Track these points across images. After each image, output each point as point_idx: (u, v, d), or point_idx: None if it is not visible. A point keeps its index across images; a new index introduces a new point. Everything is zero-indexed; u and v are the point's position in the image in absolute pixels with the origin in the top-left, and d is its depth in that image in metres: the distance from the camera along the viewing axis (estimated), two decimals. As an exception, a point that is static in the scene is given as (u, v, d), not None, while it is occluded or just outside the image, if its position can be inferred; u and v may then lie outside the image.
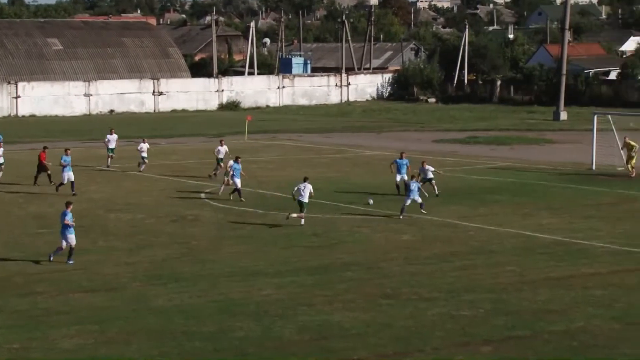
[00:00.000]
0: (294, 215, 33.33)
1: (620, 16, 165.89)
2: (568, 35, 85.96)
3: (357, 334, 20.82)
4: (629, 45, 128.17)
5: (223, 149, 44.91)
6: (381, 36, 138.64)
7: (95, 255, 28.66)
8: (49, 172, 42.55)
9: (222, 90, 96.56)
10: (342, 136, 67.16)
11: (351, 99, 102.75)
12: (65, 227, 27.44)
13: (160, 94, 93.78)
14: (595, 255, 28.53)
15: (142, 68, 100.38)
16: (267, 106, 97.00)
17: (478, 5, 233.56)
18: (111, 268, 27.09)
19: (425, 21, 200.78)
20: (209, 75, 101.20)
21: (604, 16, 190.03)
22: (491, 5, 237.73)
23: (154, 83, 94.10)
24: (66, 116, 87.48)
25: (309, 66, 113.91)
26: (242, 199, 38.20)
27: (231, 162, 38.99)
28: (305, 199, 33.44)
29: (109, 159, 48.80)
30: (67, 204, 28.03)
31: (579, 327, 21.28)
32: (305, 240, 30.96)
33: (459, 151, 56.55)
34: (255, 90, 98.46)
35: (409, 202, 34.83)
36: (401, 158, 39.95)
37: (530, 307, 22.84)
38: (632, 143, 45.09)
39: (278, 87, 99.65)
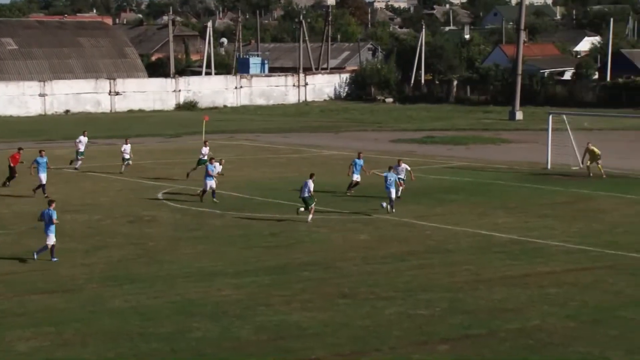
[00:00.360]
0: (302, 208, 34.15)
1: (574, 17, 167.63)
2: (523, 36, 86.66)
3: (315, 334, 20.86)
4: (583, 46, 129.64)
5: (206, 150, 44.68)
6: (338, 36, 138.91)
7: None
8: (15, 175, 41.83)
9: (179, 90, 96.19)
10: (300, 136, 67.19)
11: (309, 99, 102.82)
12: (49, 225, 27.60)
13: (117, 94, 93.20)
14: (551, 254, 28.80)
15: (98, 68, 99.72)
16: (225, 106, 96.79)
17: (434, 6, 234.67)
18: (67, 269, 26.89)
19: (382, 21, 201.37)
20: (165, 75, 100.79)
21: (558, 17, 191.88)
22: (447, 6, 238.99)
23: (110, 83, 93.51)
24: (21, 116, 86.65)
25: (266, 66, 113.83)
26: (215, 199, 37.90)
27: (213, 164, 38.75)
28: (305, 195, 34.01)
29: (79, 162, 48.16)
30: (50, 203, 28.29)
31: (534, 325, 21.47)
32: (263, 241, 30.95)
33: (416, 151, 56.81)
34: (213, 90, 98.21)
35: (392, 194, 35.46)
36: (359, 158, 40.13)
37: (487, 306, 23.01)
38: (597, 151, 45.30)
39: (235, 87, 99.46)
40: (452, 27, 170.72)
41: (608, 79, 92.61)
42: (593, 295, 24.03)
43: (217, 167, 39.10)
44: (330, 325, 21.46)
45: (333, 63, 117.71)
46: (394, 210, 35.39)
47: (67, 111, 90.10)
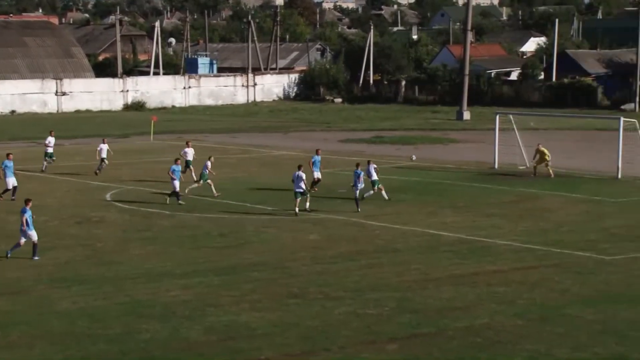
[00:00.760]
0: (306, 203, 35.30)
1: (520, 17, 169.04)
2: (470, 36, 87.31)
3: (264, 334, 20.87)
4: (529, 46, 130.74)
5: (190, 150, 44.27)
6: (287, 36, 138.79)
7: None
8: None
9: (127, 91, 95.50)
10: (249, 136, 67.09)
11: (258, 99, 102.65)
12: (26, 224, 27.64)
13: (63, 94, 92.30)
14: (498, 253, 29.08)
15: (44, 68, 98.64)
16: (173, 106, 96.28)
17: (382, 6, 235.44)
18: (14, 271, 26.62)
19: (330, 22, 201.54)
20: (113, 75, 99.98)
21: (504, 17, 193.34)
22: (395, 6, 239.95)
23: (56, 83, 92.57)
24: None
25: (215, 66, 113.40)
26: (180, 201, 37.51)
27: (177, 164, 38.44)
28: (301, 188, 34.88)
29: (44, 164, 47.35)
30: (27, 201, 28.31)
31: (482, 323, 21.67)
32: (212, 241, 30.89)
33: (365, 151, 56.96)
34: (161, 90, 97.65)
35: (357, 192, 35.76)
36: (317, 154, 40.48)
37: (435, 305, 23.17)
38: (546, 152, 45.73)
39: (184, 88, 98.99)
40: (400, 28, 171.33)
41: (554, 79, 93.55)
42: (540, 293, 24.31)
43: (208, 166, 39.48)
44: (279, 326, 21.48)
45: (282, 63, 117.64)
46: (359, 209, 35.66)
47: (12, 112, 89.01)
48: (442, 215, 35.47)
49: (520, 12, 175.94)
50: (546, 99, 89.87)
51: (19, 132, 60.27)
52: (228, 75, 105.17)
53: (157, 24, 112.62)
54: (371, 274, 26.26)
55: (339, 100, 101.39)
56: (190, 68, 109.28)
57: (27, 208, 28.05)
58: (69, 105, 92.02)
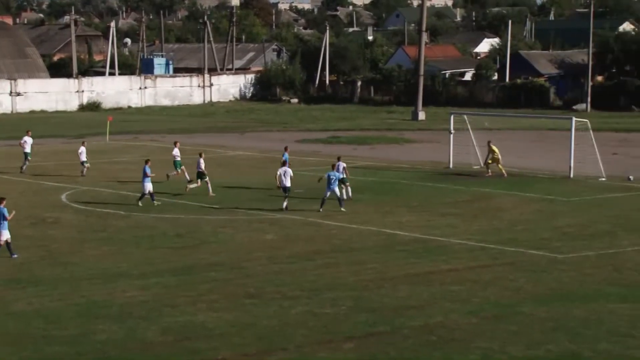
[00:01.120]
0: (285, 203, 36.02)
1: (474, 19, 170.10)
2: (425, 37, 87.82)
3: (221, 334, 20.94)
4: (483, 47, 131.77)
5: (177, 151, 43.82)
6: (243, 37, 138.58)
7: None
8: None
9: (83, 91, 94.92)
10: (205, 136, 66.96)
11: (214, 99, 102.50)
12: (1, 222, 27.77)
13: (18, 94, 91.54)
14: (453, 252, 29.35)
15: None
16: (129, 107, 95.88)
17: (338, 7, 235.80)
18: (-32, 273, 26.43)
19: (286, 22, 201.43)
20: (68, 75, 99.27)
21: (458, 19, 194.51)
22: (350, 7, 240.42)
23: (11, 83, 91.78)
24: None
25: (171, 67, 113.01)
26: (156, 202, 37.29)
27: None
28: (287, 184, 35.91)
29: (26, 164, 47.00)
30: (0, 200, 28.18)
31: (437, 322, 21.89)
32: (169, 241, 30.87)
33: (322, 151, 57.13)
34: (117, 90, 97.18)
35: (328, 194, 35.92)
36: (285, 151, 40.94)
37: (391, 304, 23.36)
38: (495, 149, 46.16)
39: (140, 88, 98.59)
40: (355, 29, 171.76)
41: (507, 79, 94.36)
42: (494, 291, 24.58)
43: (201, 164, 39.78)
44: (236, 325, 21.56)
45: (238, 64, 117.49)
46: (343, 209, 35.83)
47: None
48: (398, 215, 35.71)
49: (473, 14, 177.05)
50: (499, 99, 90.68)
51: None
52: (184, 76, 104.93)
53: (113, 24, 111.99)
54: (328, 274, 26.40)
55: (295, 100, 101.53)
56: (146, 68, 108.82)
57: (2, 206, 28.03)
58: (23, 105, 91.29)
